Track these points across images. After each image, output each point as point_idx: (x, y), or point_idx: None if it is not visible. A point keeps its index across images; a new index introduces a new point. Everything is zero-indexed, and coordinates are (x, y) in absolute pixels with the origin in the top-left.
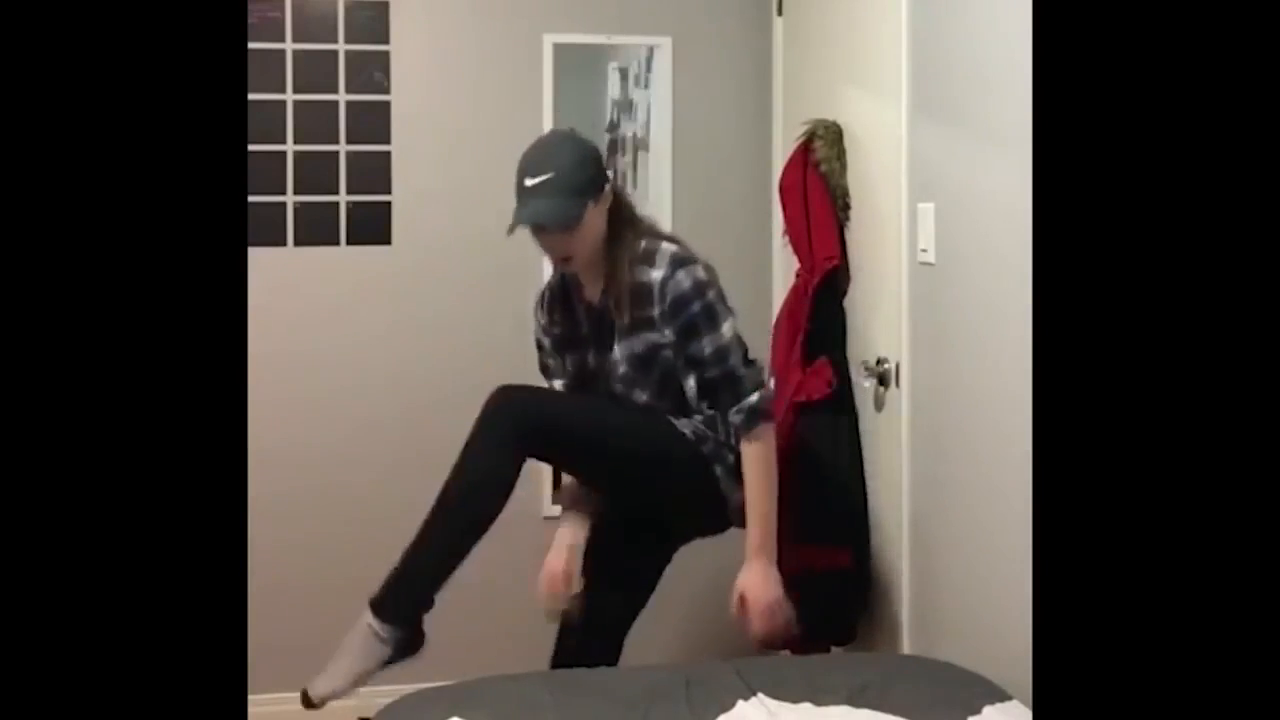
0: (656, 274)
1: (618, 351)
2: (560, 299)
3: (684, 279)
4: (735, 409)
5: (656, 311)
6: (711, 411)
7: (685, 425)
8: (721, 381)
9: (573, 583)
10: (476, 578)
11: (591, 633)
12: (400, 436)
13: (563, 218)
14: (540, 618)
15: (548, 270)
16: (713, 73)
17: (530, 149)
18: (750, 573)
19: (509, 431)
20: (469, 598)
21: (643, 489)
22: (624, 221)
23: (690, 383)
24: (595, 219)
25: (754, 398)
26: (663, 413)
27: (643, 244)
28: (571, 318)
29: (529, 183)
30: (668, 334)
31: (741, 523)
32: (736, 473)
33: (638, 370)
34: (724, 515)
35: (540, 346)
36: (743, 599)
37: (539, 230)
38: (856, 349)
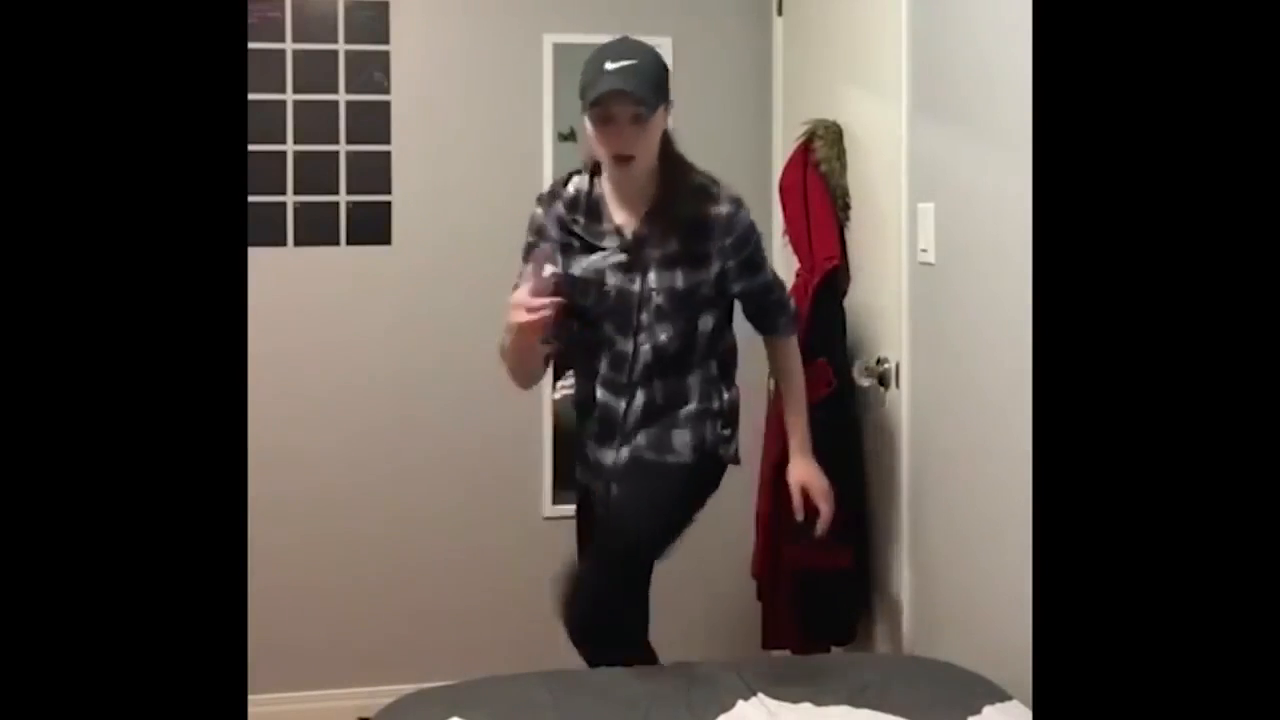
0: (722, 209)
1: (654, 281)
2: (587, 205)
3: (746, 216)
4: (784, 319)
5: (716, 246)
6: (716, 374)
7: (684, 439)
8: (775, 306)
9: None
10: (476, 578)
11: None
12: (400, 436)
13: (648, 93)
14: (541, 618)
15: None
16: (713, 73)
17: (606, 44)
18: (805, 465)
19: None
20: (469, 598)
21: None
22: (674, 153)
23: (743, 310)
24: (659, 127)
25: (792, 307)
26: (672, 461)
27: (697, 178)
28: (596, 226)
29: (610, 66)
30: (725, 266)
31: (737, 459)
32: (731, 421)
33: (672, 305)
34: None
35: (542, 237)
36: (805, 491)
37: (607, 118)
38: (856, 349)
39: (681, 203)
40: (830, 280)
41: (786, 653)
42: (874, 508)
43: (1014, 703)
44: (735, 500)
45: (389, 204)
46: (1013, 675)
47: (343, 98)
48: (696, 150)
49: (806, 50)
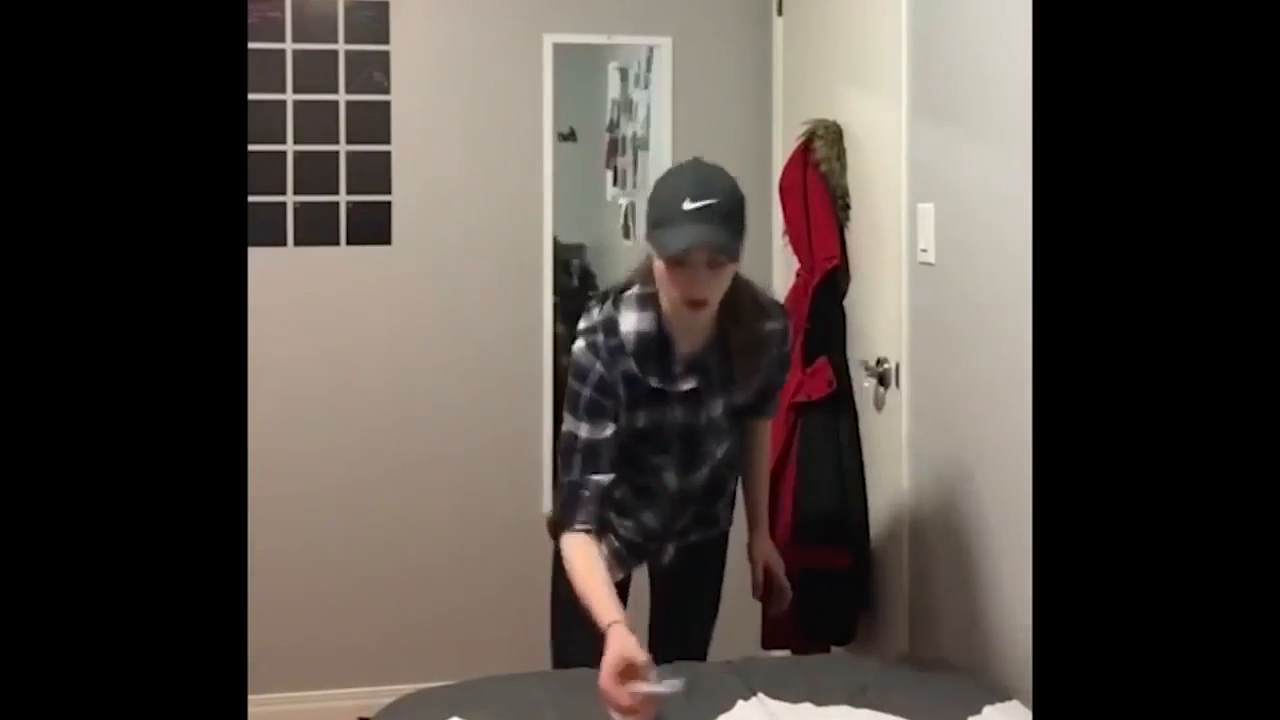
0: (776, 324)
1: (720, 406)
2: (655, 351)
3: (788, 325)
4: (776, 402)
5: (767, 359)
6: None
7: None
8: (778, 393)
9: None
10: (477, 578)
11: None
12: (400, 436)
13: (734, 248)
14: (541, 618)
15: (549, 270)
16: (713, 73)
17: (682, 170)
18: (768, 543)
19: None
20: (469, 598)
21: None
22: (739, 275)
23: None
24: (735, 268)
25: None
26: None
27: (751, 294)
28: (667, 371)
29: (689, 206)
30: (769, 374)
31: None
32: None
33: (731, 421)
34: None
35: (604, 393)
36: (769, 571)
37: (687, 262)
38: (856, 349)
39: (743, 325)
40: (830, 280)
41: (786, 653)
42: (873, 507)
43: (1014, 703)
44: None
45: (389, 204)
46: (1013, 675)
47: (343, 98)
48: (697, 150)
49: (806, 50)
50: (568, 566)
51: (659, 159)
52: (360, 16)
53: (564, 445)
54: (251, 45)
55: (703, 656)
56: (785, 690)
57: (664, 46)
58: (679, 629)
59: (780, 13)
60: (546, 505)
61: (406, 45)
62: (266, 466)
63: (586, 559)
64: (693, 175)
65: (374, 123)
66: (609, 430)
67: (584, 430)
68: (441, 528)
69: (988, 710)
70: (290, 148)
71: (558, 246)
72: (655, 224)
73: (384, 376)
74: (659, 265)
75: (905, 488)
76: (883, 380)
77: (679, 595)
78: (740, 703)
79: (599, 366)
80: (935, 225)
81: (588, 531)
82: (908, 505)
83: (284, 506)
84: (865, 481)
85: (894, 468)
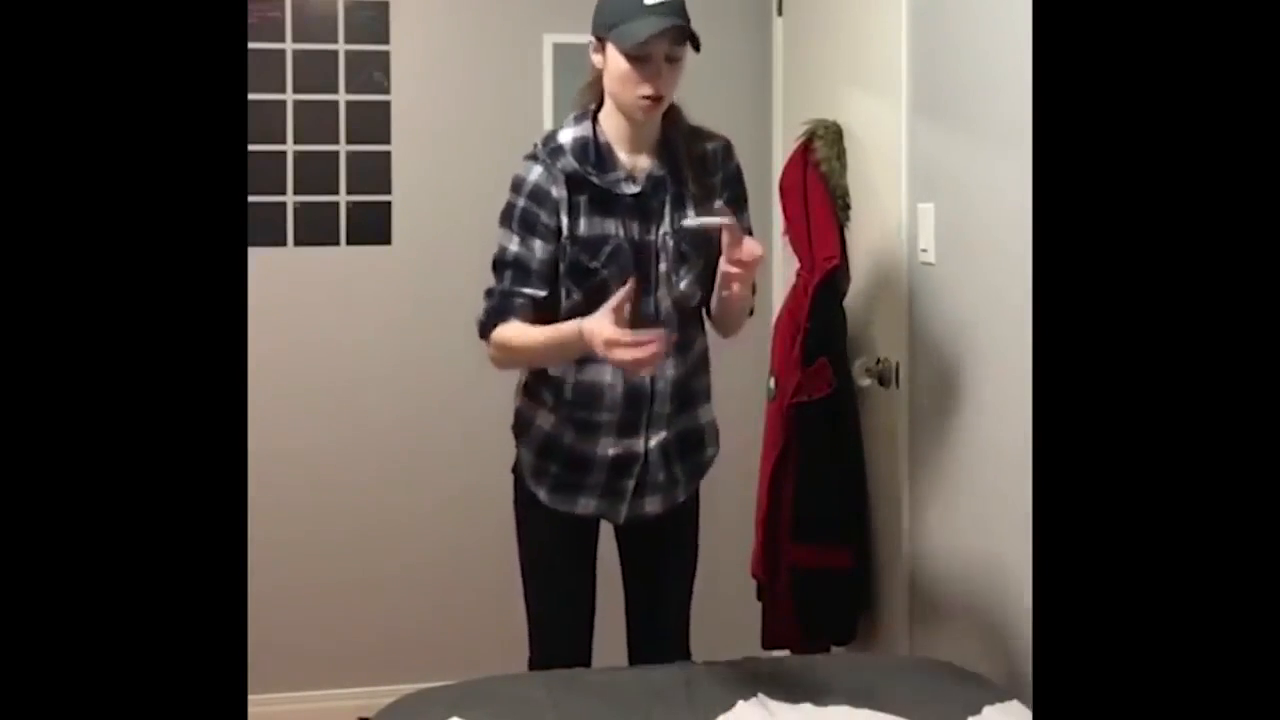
0: (716, 144)
1: (676, 224)
2: (595, 155)
3: (735, 155)
4: None
5: (717, 179)
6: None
7: (711, 448)
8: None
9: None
10: (476, 577)
11: (662, 622)
12: (400, 436)
13: (695, 36)
14: None
15: None
16: (713, 73)
17: None
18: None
19: None
20: (469, 597)
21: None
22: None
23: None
24: (684, 63)
25: None
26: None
27: (686, 117)
28: (610, 174)
29: (651, 1)
30: (724, 200)
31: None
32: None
33: (692, 247)
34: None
35: (538, 203)
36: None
37: (643, 59)
38: (856, 349)
39: (685, 138)
40: (830, 280)
41: (786, 653)
42: (874, 508)
43: (1014, 703)
44: (735, 500)
45: (389, 204)
46: (1013, 675)
47: (343, 98)
48: None
49: (806, 50)
50: (511, 344)
51: None
52: (360, 16)
53: (494, 258)
54: (251, 45)
55: (681, 621)
56: (785, 690)
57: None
58: (651, 590)
59: (780, 13)
60: None
61: (406, 45)
62: (267, 466)
63: (526, 327)
64: None
65: (374, 123)
66: (538, 246)
67: (514, 244)
68: (442, 527)
69: (988, 710)
70: (290, 148)
71: None
72: (612, 23)
73: (384, 376)
74: (615, 68)
75: (905, 488)
76: (883, 380)
77: (651, 553)
78: (740, 703)
79: (535, 172)
80: (935, 225)
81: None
82: (908, 505)
83: (284, 506)
84: (865, 481)
85: (894, 468)
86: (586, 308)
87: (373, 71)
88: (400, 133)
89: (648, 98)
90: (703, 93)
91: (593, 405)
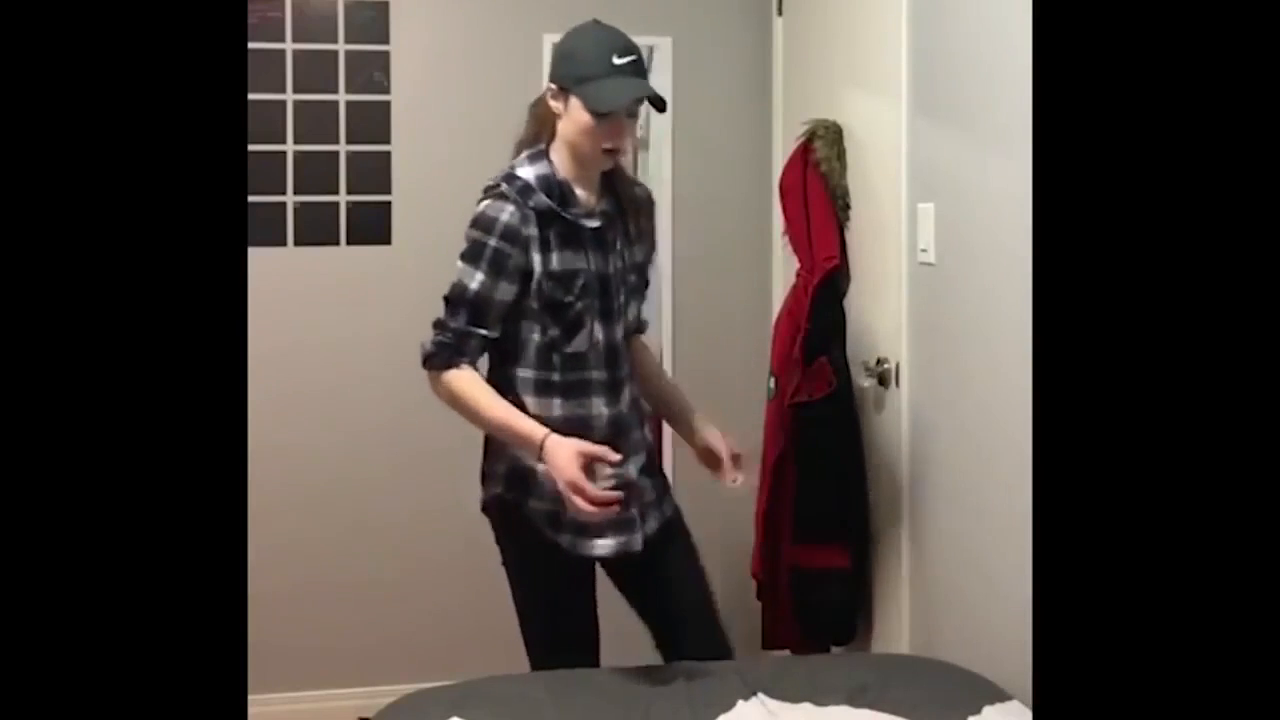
0: (643, 191)
1: (627, 259)
2: (559, 193)
3: (650, 194)
4: (643, 317)
5: (646, 224)
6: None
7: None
8: (643, 294)
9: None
10: (476, 577)
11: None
12: (399, 435)
13: (657, 98)
14: None
15: None
16: (713, 73)
17: (590, 31)
18: (711, 428)
19: None
20: (469, 597)
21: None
22: None
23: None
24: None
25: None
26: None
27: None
28: (571, 225)
29: (619, 60)
30: (647, 253)
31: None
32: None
33: (639, 279)
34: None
35: (511, 242)
36: (710, 452)
37: (609, 115)
38: (856, 349)
39: (626, 184)
40: (830, 280)
41: (786, 653)
42: (874, 508)
43: (1014, 703)
44: (735, 500)
45: (389, 204)
46: (1013, 675)
47: (343, 98)
48: (697, 150)
49: (806, 50)
50: (464, 399)
51: (659, 159)
52: (360, 16)
53: (452, 294)
54: (251, 45)
55: (714, 616)
56: (785, 690)
57: (664, 46)
58: (671, 598)
59: (780, 13)
60: None
61: (406, 45)
62: (267, 466)
63: (482, 386)
64: (610, 33)
65: (374, 123)
66: (503, 289)
67: (476, 282)
68: (442, 527)
69: (988, 710)
70: (290, 148)
71: None
72: (580, 77)
73: (383, 376)
74: (577, 120)
75: (905, 488)
76: (883, 380)
77: (655, 571)
78: (740, 702)
79: (507, 212)
80: (935, 225)
81: (473, 369)
82: (908, 505)
83: (284, 506)
84: (865, 481)
85: (894, 468)
86: (564, 340)
87: (373, 71)
88: (400, 133)
89: (609, 151)
90: (703, 93)
91: (585, 437)
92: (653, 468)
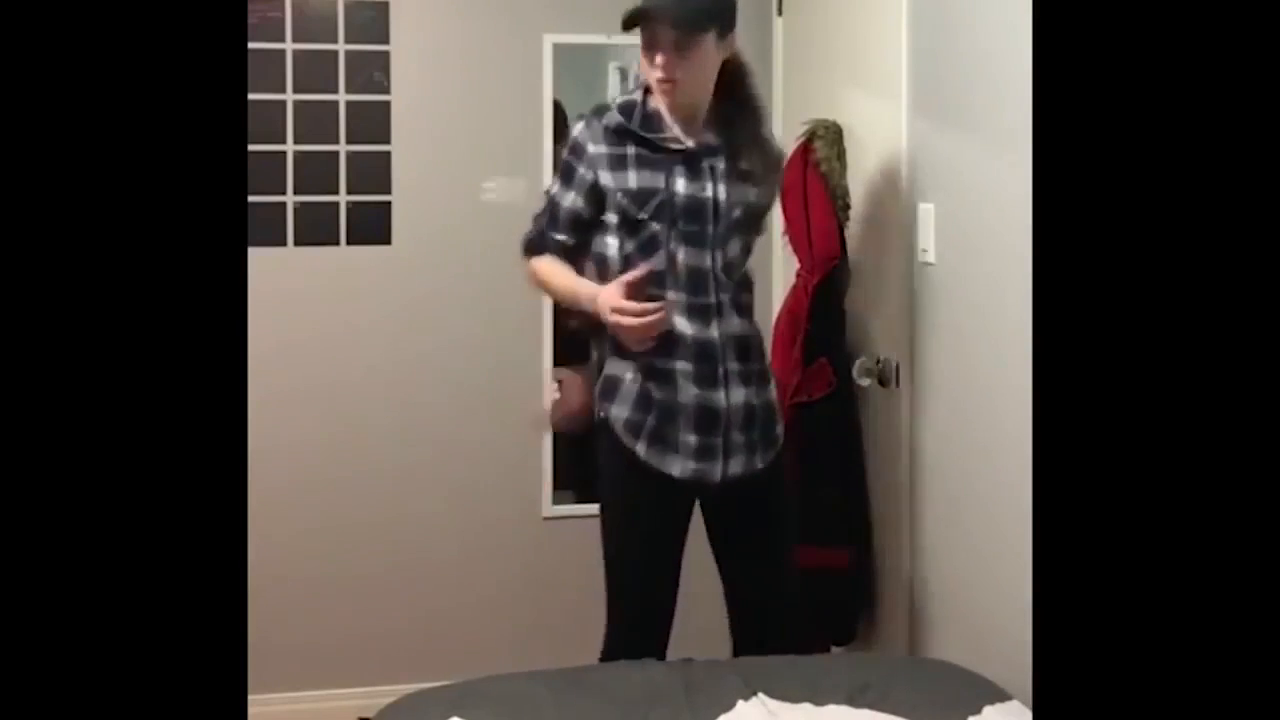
0: (768, 131)
1: (726, 193)
2: (643, 115)
3: (775, 145)
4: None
5: (761, 165)
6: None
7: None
8: (751, 235)
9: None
10: (477, 577)
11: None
12: (400, 436)
13: (686, 17)
14: (541, 617)
15: None
16: None
17: None
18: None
19: None
20: (469, 597)
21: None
22: (744, 84)
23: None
24: (713, 57)
25: None
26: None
27: (758, 103)
28: (657, 130)
29: None
30: (761, 193)
31: None
32: None
33: (745, 218)
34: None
35: (576, 155)
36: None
37: (650, 42)
38: (856, 349)
39: (746, 122)
40: (830, 280)
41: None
42: (874, 507)
43: (1014, 703)
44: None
45: (389, 204)
46: (1013, 675)
47: (343, 98)
48: None
49: (806, 50)
50: (539, 277)
51: None
52: (360, 16)
53: (546, 192)
54: (251, 45)
55: (783, 601)
56: (785, 690)
57: None
58: (746, 565)
59: (780, 13)
60: (546, 505)
61: (406, 45)
62: (266, 465)
63: (558, 269)
64: None
65: (374, 123)
66: (570, 199)
67: (556, 188)
68: (441, 526)
69: (988, 710)
70: (290, 148)
71: None
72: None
73: (383, 376)
74: (641, 56)
75: (905, 488)
76: (883, 380)
77: (741, 525)
78: (740, 702)
79: (578, 128)
80: (935, 225)
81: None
82: (908, 505)
83: (284, 506)
84: (865, 481)
85: (894, 468)
86: (638, 256)
87: (373, 71)
88: (400, 133)
89: (659, 80)
90: None
91: (671, 354)
92: (755, 417)
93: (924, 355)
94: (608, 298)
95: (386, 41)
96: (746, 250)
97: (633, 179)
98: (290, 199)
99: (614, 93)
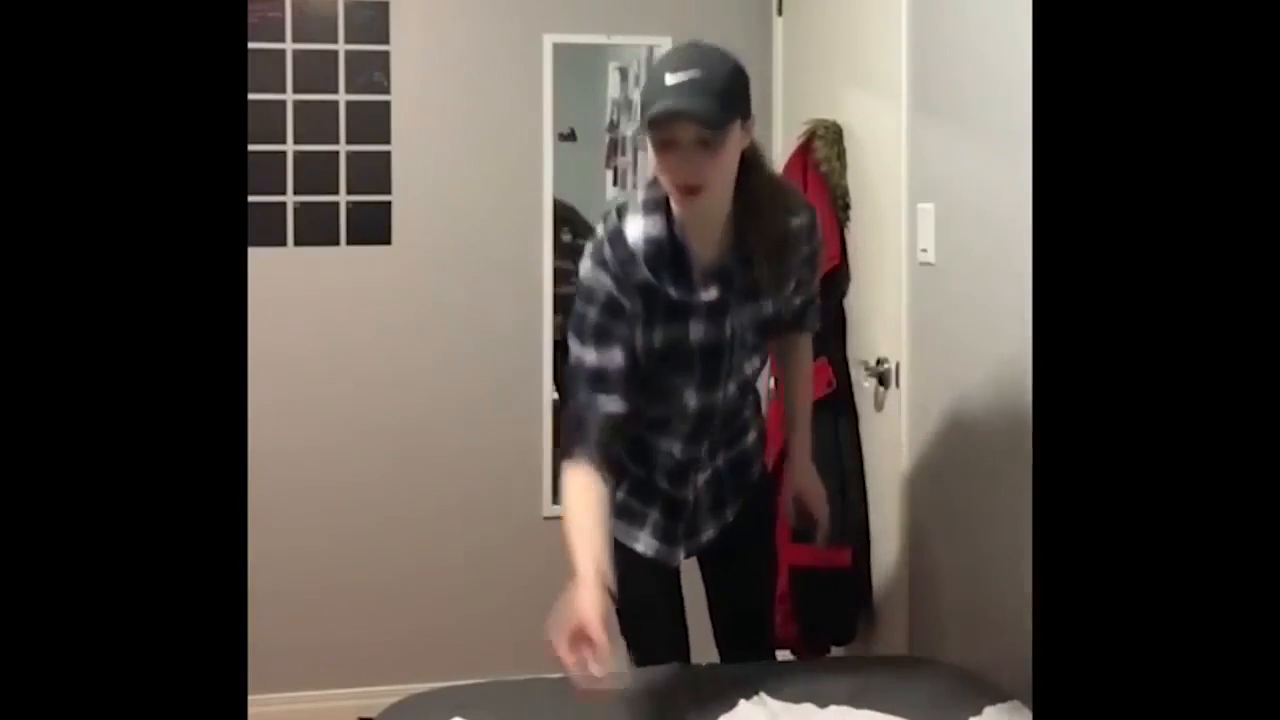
0: (799, 220)
1: (747, 317)
2: (670, 259)
3: (815, 219)
4: (814, 312)
5: (794, 260)
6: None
7: (755, 438)
8: (812, 302)
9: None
10: (477, 578)
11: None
12: (400, 436)
13: (714, 112)
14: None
15: (549, 270)
16: None
17: (670, 51)
18: (811, 473)
19: None
20: (469, 598)
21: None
22: (756, 173)
23: (790, 312)
24: (736, 147)
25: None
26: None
27: (775, 188)
28: (685, 280)
29: (671, 80)
30: (799, 278)
31: None
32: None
33: (758, 335)
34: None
35: (614, 315)
36: (802, 500)
37: (668, 143)
38: (856, 349)
39: (765, 224)
40: (830, 280)
41: (786, 653)
42: (874, 508)
43: (1014, 703)
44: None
45: (389, 204)
46: (1013, 675)
47: (343, 98)
48: None
49: (806, 50)
50: (564, 502)
51: None
52: (360, 16)
53: (570, 371)
54: (251, 45)
55: (764, 626)
56: (786, 690)
57: (664, 46)
58: (732, 598)
59: (780, 13)
60: (547, 506)
61: (406, 45)
62: (267, 467)
63: (582, 498)
64: (682, 51)
65: (374, 123)
66: (618, 356)
67: (590, 356)
68: (442, 528)
69: (988, 710)
70: (290, 148)
71: (558, 245)
72: (642, 106)
73: (384, 376)
74: (653, 158)
75: (905, 488)
76: (883, 380)
77: (719, 570)
78: (742, 702)
79: (608, 283)
80: (935, 225)
81: (591, 464)
82: (908, 505)
83: (284, 507)
84: (865, 481)
85: (894, 468)
86: (648, 406)
87: (373, 71)
88: (400, 133)
89: (678, 188)
90: None
91: (653, 466)
92: (719, 482)
93: (924, 355)
94: (585, 609)
95: (386, 41)
96: (762, 361)
97: (659, 337)
98: (290, 199)
99: (614, 93)
